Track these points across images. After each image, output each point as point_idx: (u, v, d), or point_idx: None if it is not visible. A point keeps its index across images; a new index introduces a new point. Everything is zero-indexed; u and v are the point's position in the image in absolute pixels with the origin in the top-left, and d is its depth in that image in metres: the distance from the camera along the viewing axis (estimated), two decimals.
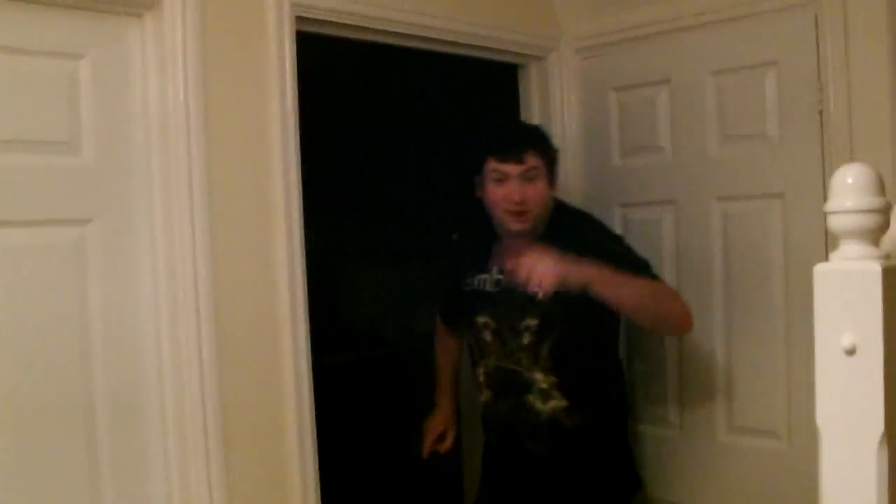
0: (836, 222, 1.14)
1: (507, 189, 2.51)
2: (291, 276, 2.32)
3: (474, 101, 4.47)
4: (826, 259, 1.16)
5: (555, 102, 3.11)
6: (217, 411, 2.14)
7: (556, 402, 2.55)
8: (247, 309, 2.25)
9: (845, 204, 1.12)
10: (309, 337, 2.38)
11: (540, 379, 2.55)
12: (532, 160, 2.52)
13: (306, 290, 2.37)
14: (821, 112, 2.51)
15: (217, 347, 2.15)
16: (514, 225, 2.54)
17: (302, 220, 2.35)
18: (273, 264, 2.29)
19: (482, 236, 2.72)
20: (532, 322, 2.55)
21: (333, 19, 2.44)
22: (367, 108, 4.61)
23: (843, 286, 1.13)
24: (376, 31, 2.58)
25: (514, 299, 2.53)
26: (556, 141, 3.06)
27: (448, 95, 4.65)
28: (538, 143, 2.60)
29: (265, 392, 2.29)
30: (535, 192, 2.52)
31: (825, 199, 1.15)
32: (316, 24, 2.42)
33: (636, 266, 2.46)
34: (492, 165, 2.53)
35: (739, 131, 2.69)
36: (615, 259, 2.36)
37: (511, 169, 2.51)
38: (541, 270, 2.20)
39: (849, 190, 1.12)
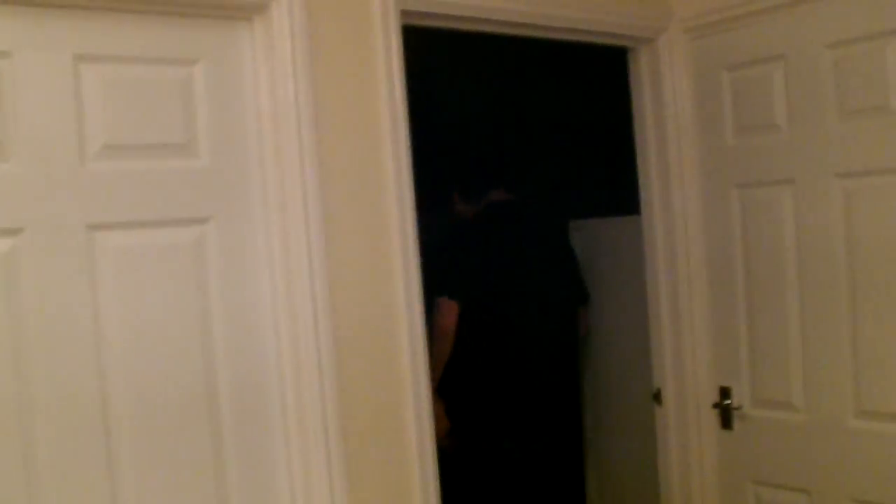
0: None
1: None
2: (406, 270, 2.34)
3: (583, 89, 4.45)
4: None
5: (666, 84, 3.05)
6: (336, 405, 2.19)
7: None
8: (363, 304, 2.29)
9: None
10: (425, 332, 2.40)
11: None
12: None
13: (421, 284, 2.39)
14: None
15: (334, 342, 2.19)
16: None
17: (415, 215, 2.38)
18: (387, 259, 2.33)
19: None
20: None
21: (437, 11, 2.45)
22: (470, 100, 4.61)
23: None
24: (481, 21, 2.58)
25: None
26: (669, 123, 3.04)
27: (553, 85, 4.62)
28: None
29: (383, 386, 2.32)
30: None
31: None
32: (421, 16, 2.43)
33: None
34: None
35: (859, 105, 2.59)
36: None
37: None
38: None
39: None
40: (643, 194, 3.20)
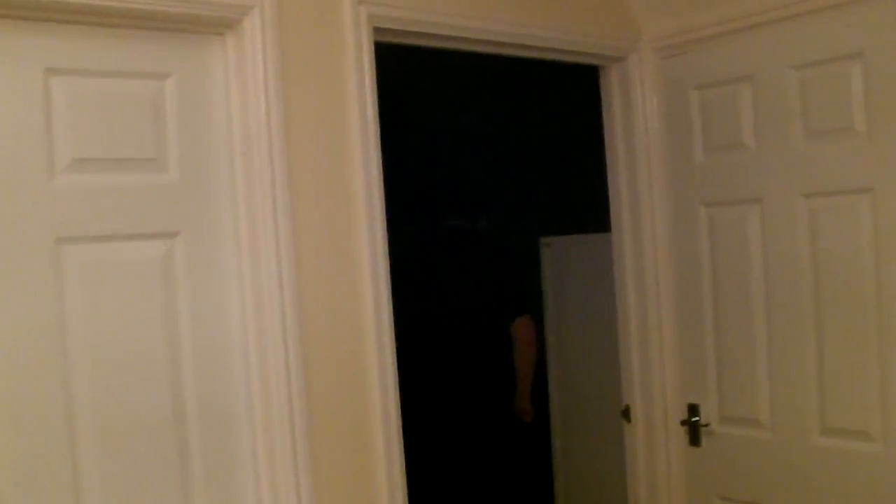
0: None
1: None
2: (375, 283, 2.35)
3: (554, 105, 4.48)
4: None
5: (636, 102, 3.09)
6: (304, 418, 2.18)
7: None
8: (332, 317, 2.29)
9: None
10: (394, 343, 2.40)
11: None
12: None
13: (391, 297, 2.40)
14: None
15: (303, 355, 2.19)
16: None
17: (385, 229, 2.38)
18: (357, 274, 2.33)
19: None
20: None
21: (410, 29, 2.47)
22: (441, 114, 4.62)
23: None
24: (453, 39, 2.59)
25: None
26: (639, 141, 3.07)
27: (526, 103, 4.65)
28: None
29: (352, 398, 2.32)
30: None
31: None
32: (392, 34, 2.45)
33: None
34: None
35: (825, 126, 2.63)
36: None
37: None
38: None
39: None
40: (613, 211, 3.22)
